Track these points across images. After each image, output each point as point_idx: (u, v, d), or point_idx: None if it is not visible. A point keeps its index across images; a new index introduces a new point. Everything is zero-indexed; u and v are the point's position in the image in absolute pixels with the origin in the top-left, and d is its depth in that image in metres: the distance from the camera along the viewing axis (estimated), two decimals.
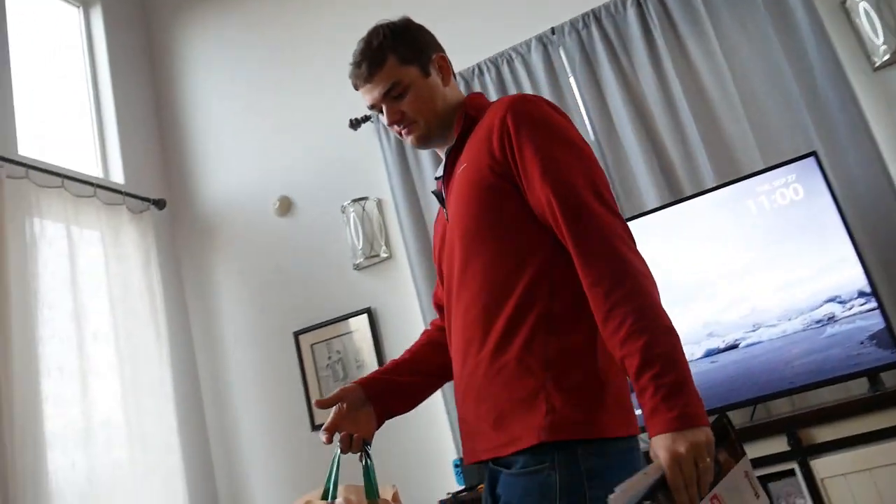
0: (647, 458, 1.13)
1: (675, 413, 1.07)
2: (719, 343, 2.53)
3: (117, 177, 3.75)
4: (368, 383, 1.48)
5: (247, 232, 3.81)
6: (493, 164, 1.31)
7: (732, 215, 2.59)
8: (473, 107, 1.47)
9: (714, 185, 2.74)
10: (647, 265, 1.22)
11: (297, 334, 3.53)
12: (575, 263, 1.22)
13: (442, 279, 1.50)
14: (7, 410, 2.69)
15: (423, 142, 1.50)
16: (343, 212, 3.53)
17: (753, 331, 2.49)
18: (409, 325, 3.32)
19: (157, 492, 3.18)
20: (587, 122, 3.15)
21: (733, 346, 2.51)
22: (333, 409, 1.42)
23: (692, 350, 2.56)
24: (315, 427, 3.40)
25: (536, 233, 1.29)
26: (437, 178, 1.55)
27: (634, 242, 1.26)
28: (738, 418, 2.62)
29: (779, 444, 2.32)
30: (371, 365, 3.33)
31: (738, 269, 2.55)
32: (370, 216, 3.49)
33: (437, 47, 1.52)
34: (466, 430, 1.35)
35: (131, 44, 4.15)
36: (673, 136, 2.97)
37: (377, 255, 3.45)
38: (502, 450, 1.24)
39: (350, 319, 3.45)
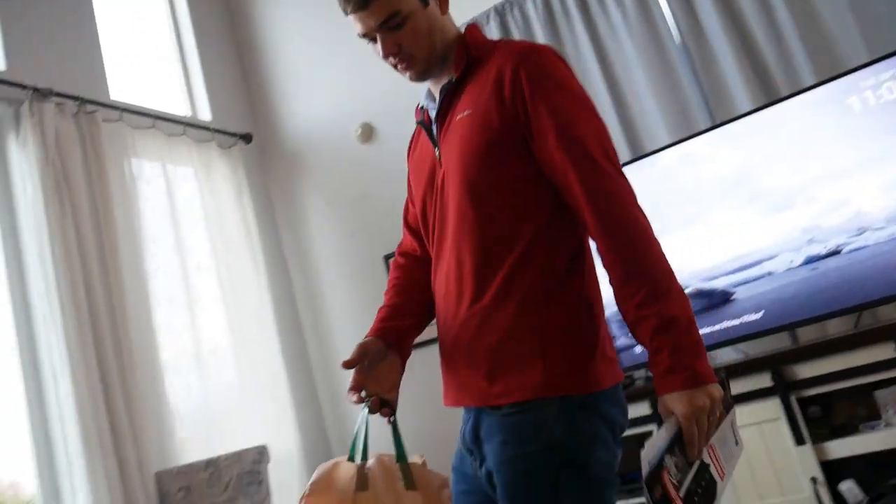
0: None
1: (690, 372, 1.12)
2: (820, 249, 2.43)
3: (205, 114, 3.85)
4: (383, 333, 1.44)
5: (332, 160, 3.87)
6: (502, 118, 1.27)
7: (833, 114, 2.44)
8: (475, 45, 1.39)
9: (813, 83, 2.58)
10: (649, 222, 1.22)
11: (387, 258, 3.60)
12: (588, 225, 1.23)
13: (419, 210, 1.46)
14: (126, 340, 2.88)
15: (422, 77, 1.42)
16: None
17: (858, 235, 2.37)
18: None
19: (267, 412, 3.38)
20: (672, 24, 2.99)
21: (835, 252, 2.41)
22: (356, 368, 1.39)
23: (791, 258, 2.47)
24: None
25: (538, 190, 1.28)
26: (421, 108, 1.48)
27: (636, 197, 1.24)
28: (841, 325, 2.54)
29: (887, 351, 2.24)
30: None
31: (840, 171, 2.42)
32: None
33: None
34: (452, 375, 1.35)
35: None
36: (767, 33, 2.80)
37: None
38: (494, 400, 1.24)
39: None
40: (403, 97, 3.66)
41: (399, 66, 1.39)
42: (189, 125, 3.61)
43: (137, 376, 2.88)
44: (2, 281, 2.78)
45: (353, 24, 1.36)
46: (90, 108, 3.14)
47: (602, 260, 1.22)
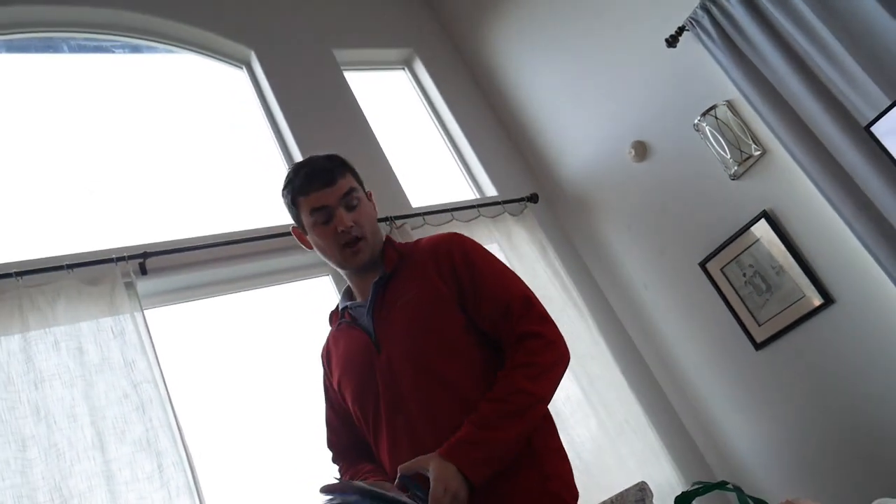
0: None
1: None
2: None
3: (490, 191, 4.14)
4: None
5: (617, 188, 3.88)
6: (447, 292, 1.63)
7: None
8: (399, 246, 1.77)
9: None
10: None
11: (702, 265, 3.46)
12: (515, 354, 1.59)
13: (356, 400, 1.69)
14: None
15: (366, 262, 1.69)
16: (697, 129, 3.39)
17: None
18: (810, 209, 3.02)
19: (636, 450, 3.37)
20: None
21: None
22: None
23: None
24: (757, 346, 3.28)
25: (477, 341, 1.65)
26: (341, 310, 1.77)
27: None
28: None
29: None
30: (789, 267, 3.10)
31: None
32: (726, 121, 3.28)
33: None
34: None
35: (455, 75, 4.55)
36: None
37: (750, 156, 3.22)
38: None
39: (750, 230, 3.26)
40: (660, 100, 3.60)
41: (350, 249, 1.67)
42: (480, 206, 3.90)
43: None
44: None
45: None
46: (399, 222, 3.57)
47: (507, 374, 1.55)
